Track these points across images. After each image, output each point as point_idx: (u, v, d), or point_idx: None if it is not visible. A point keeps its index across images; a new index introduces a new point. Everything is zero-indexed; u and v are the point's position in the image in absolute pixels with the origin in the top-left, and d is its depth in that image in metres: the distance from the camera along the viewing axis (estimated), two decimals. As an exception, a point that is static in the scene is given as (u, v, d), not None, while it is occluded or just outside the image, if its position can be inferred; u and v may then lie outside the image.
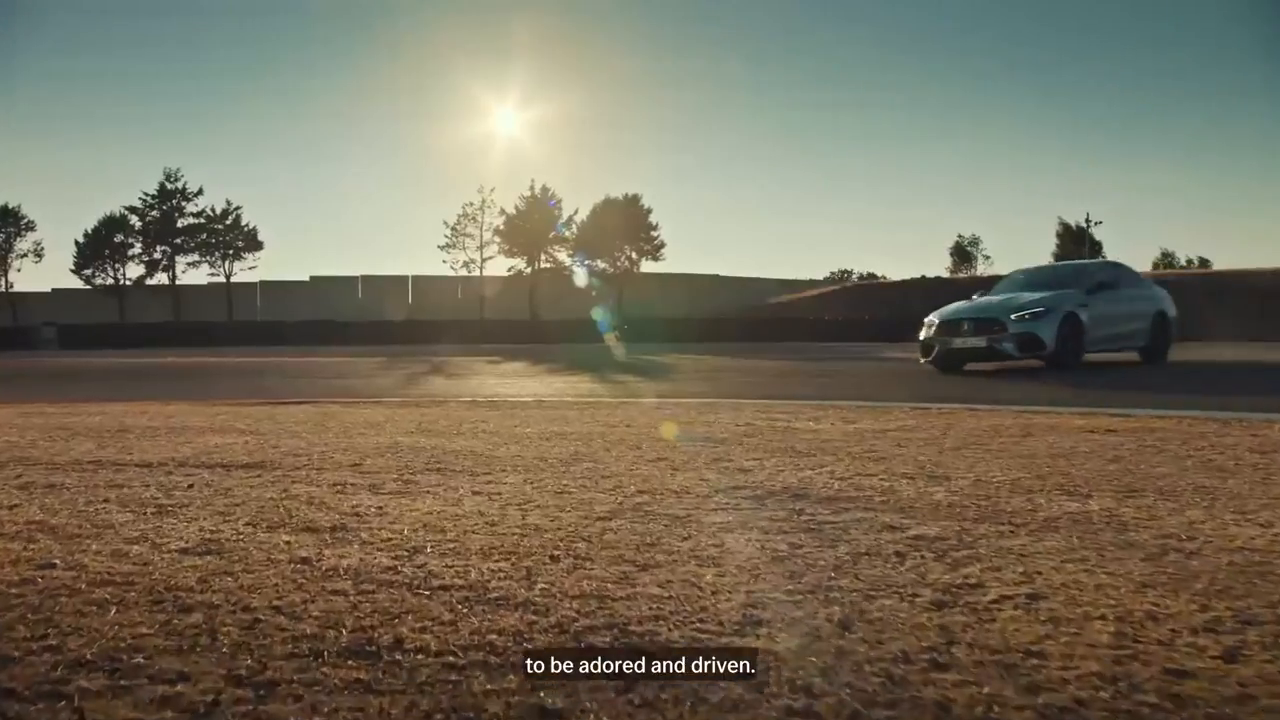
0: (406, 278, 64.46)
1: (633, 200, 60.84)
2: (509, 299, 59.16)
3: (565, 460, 4.25)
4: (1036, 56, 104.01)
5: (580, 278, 59.67)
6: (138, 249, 64.93)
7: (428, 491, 3.45)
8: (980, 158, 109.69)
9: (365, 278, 64.35)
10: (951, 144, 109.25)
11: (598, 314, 41.89)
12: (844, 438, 5.12)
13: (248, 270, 64.35)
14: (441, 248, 62.29)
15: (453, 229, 60.75)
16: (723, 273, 66.72)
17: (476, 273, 61.40)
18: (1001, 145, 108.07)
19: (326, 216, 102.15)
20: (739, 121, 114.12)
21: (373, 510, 3.09)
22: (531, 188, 60.35)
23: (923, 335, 13.34)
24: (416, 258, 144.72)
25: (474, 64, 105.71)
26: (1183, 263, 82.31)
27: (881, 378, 12.52)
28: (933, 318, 13.33)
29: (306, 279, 64.97)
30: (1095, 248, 67.04)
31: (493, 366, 18.09)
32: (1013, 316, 13.10)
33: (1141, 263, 76.77)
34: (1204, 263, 78.51)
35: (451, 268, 62.07)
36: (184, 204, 63.97)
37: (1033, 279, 14.90)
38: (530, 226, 59.23)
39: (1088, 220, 55.90)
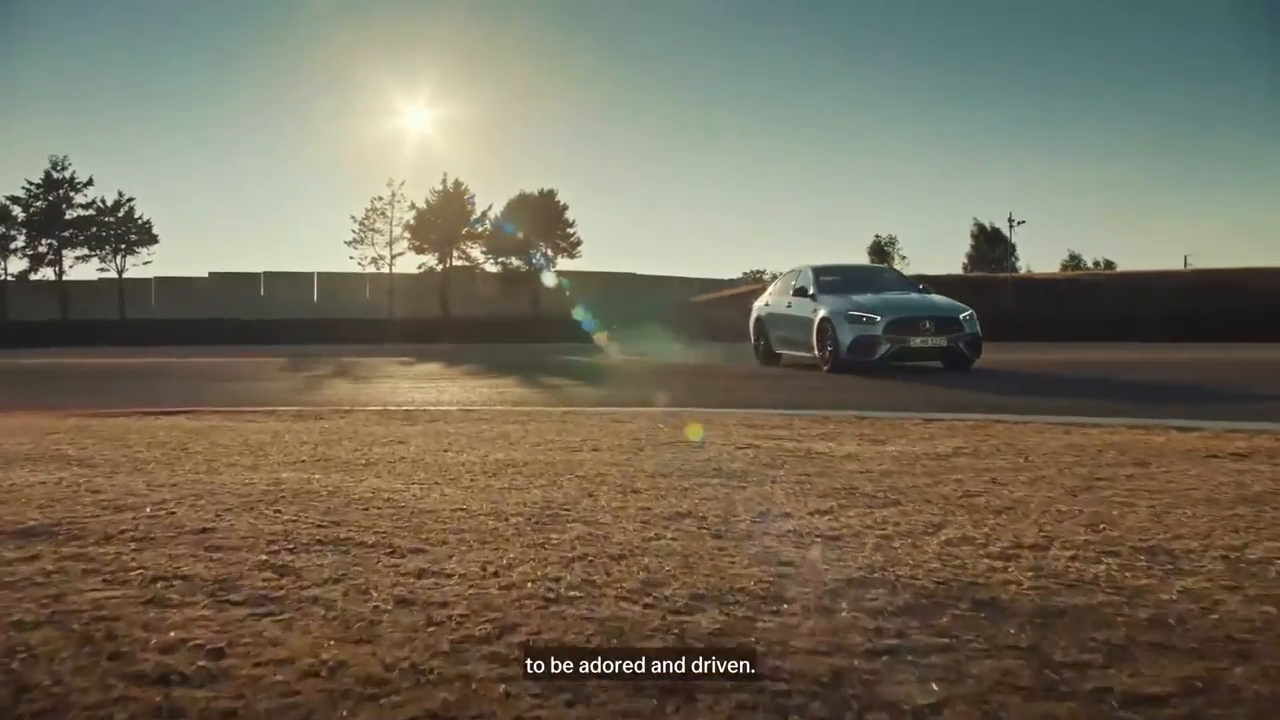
0: (312, 274, 61.74)
1: (548, 195, 59.05)
2: (420, 297, 57.01)
3: (535, 518, 2.81)
4: (953, 58, 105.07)
5: (492, 274, 57.94)
6: (20, 241, 61.05)
7: (314, 605, 1.97)
8: (899, 158, 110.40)
9: (268, 274, 61.55)
10: (870, 143, 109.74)
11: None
12: (899, 468, 3.78)
13: (142, 266, 61.01)
14: (349, 243, 59.52)
15: (360, 224, 58.24)
16: (640, 271, 65.58)
17: (386, 269, 59.05)
18: (920, 146, 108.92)
19: (228, 212, 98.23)
20: (655, 119, 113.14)
21: (193, 670, 1.60)
22: (444, 182, 58.34)
23: (851, 333, 12.13)
24: (323, 254, 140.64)
25: (384, 60, 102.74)
26: (1089, 264, 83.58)
27: (820, 379, 11.29)
28: (872, 315, 12.11)
29: (205, 275, 61.92)
30: (1011, 250, 67.50)
31: (405, 368, 16.43)
32: (963, 316, 12.20)
33: (1050, 264, 77.82)
34: (1109, 264, 79.77)
35: (359, 264, 59.52)
36: (72, 195, 60.24)
37: (853, 278, 14.20)
38: (442, 222, 57.10)
39: (1010, 220, 55.99)
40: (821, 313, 12.68)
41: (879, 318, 12.04)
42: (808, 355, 13.23)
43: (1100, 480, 3.43)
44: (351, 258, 65.71)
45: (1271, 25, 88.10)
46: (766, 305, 15.08)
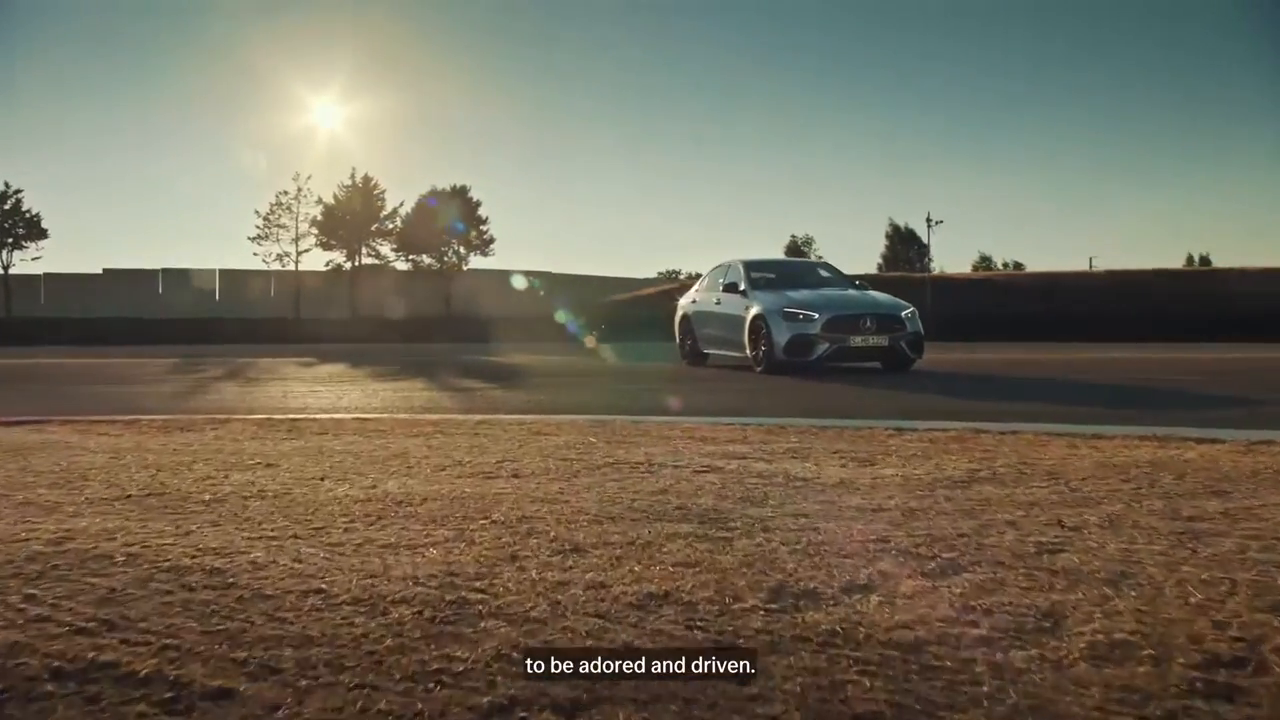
0: (213, 271, 58.95)
1: (461, 192, 57.36)
2: (329, 296, 54.93)
3: (430, 610, 1.83)
4: (867, 60, 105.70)
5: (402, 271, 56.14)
6: (-105, 235, 57.30)
7: None
8: (815, 159, 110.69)
9: (167, 271, 58.68)
10: (787, 144, 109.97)
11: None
12: (917, 502, 2.90)
13: (30, 261, 57.78)
14: (253, 239, 56.91)
15: (265, 219, 55.70)
16: (555, 270, 64.34)
17: (291, 266, 56.71)
18: (836, 147, 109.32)
19: (125, 207, 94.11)
20: (570, 117, 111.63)
21: None
22: (352, 176, 56.10)
23: (788, 331, 11.29)
24: (227, 251, 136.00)
25: (293, 55, 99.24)
26: (999, 265, 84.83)
27: (755, 381, 10.44)
28: (810, 312, 11.27)
29: (100, 272, 58.86)
30: (923, 250, 67.88)
31: (305, 370, 15.17)
32: (904, 314, 11.46)
33: (962, 265, 78.70)
34: (1019, 265, 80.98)
35: (264, 261, 56.92)
36: (-48, 186, 56.82)
37: (787, 273, 13.48)
38: (350, 218, 55.03)
39: (929, 220, 56.01)
40: (754, 310, 11.83)
41: (817, 315, 11.23)
42: (738, 355, 12.38)
43: (1196, 520, 2.59)
44: (256, 254, 62.57)
45: (1168, 31, 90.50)
46: (694, 302, 14.18)
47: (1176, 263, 62.75)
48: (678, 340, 14.63)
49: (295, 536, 2.47)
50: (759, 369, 11.61)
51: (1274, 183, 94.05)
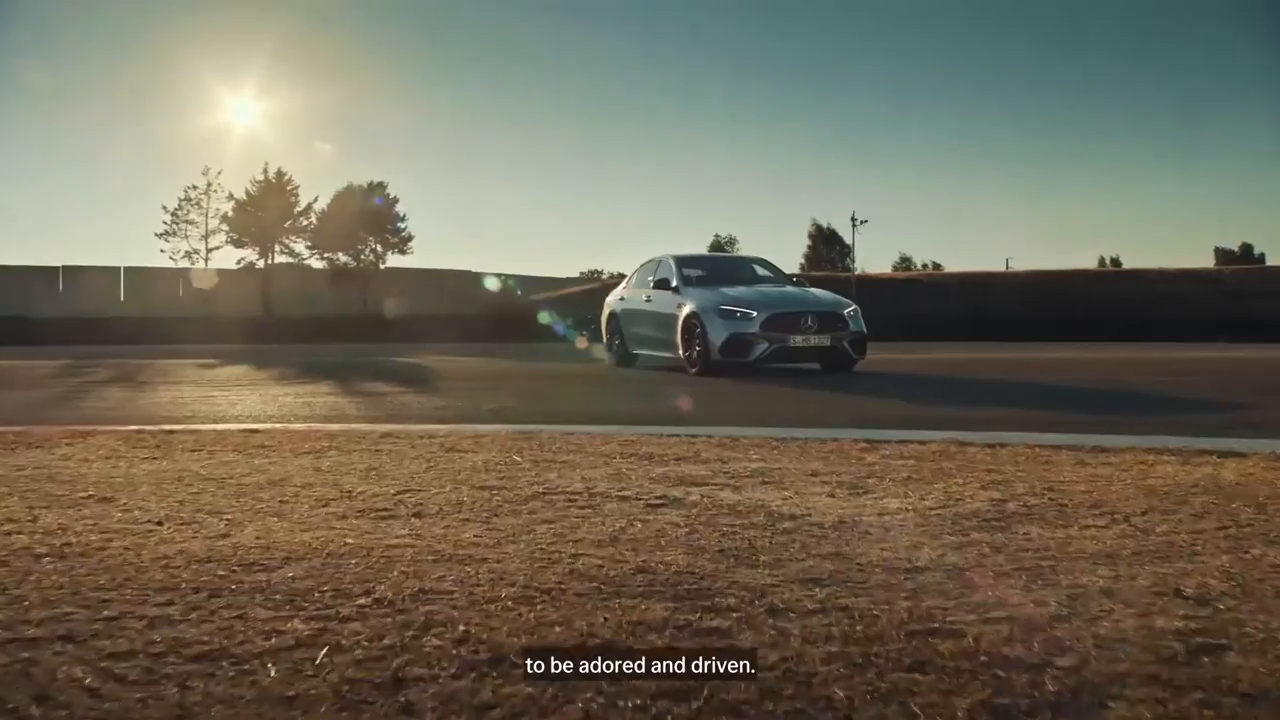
0: (118, 269, 56.41)
1: (378, 188, 55.81)
2: (242, 295, 52.81)
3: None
4: (790, 59, 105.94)
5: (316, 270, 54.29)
6: None
7: None
8: (738, 158, 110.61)
9: (68, 269, 55.96)
10: (709, 143, 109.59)
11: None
12: (956, 555, 2.20)
13: (-82, 260, 54.80)
14: (160, 235, 54.54)
15: (173, 214, 53.38)
16: (475, 269, 62.90)
17: (201, 264, 54.46)
18: (759, 146, 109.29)
19: (22, 202, 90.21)
20: (493, 116, 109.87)
21: None
22: (265, 171, 54.01)
23: (724, 330, 10.53)
24: (133, 249, 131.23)
25: (206, 49, 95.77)
26: (919, 266, 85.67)
27: (690, 384, 9.72)
28: (748, 310, 10.55)
29: (-9, 269, 56.00)
30: (846, 250, 68.06)
31: (205, 372, 14.05)
32: (847, 312, 10.82)
33: (882, 265, 79.18)
34: (938, 266, 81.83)
35: (171, 258, 54.56)
36: None
37: (721, 269, 12.85)
38: (263, 214, 53.01)
39: (854, 219, 55.89)
40: (688, 307, 11.07)
41: (755, 313, 10.50)
42: (670, 355, 11.62)
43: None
44: (163, 251, 59.97)
45: (1079, 36, 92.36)
46: (622, 300, 13.37)
47: (1089, 263, 63.86)
48: (605, 340, 13.83)
49: (66, 638, 1.63)
50: (693, 370, 10.88)
51: (1180, 185, 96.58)
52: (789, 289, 11.89)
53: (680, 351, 11.17)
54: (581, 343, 28.98)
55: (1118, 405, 7.30)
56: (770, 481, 3.28)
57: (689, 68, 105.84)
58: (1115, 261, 73.04)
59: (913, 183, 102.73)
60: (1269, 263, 57.32)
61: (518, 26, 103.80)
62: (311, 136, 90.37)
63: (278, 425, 5.86)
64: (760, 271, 12.80)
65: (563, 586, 1.93)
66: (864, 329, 11.00)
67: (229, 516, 2.75)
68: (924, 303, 37.61)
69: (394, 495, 3.07)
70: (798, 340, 10.45)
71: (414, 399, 8.22)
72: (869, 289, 45.84)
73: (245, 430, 5.39)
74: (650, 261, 13.04)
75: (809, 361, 11.10)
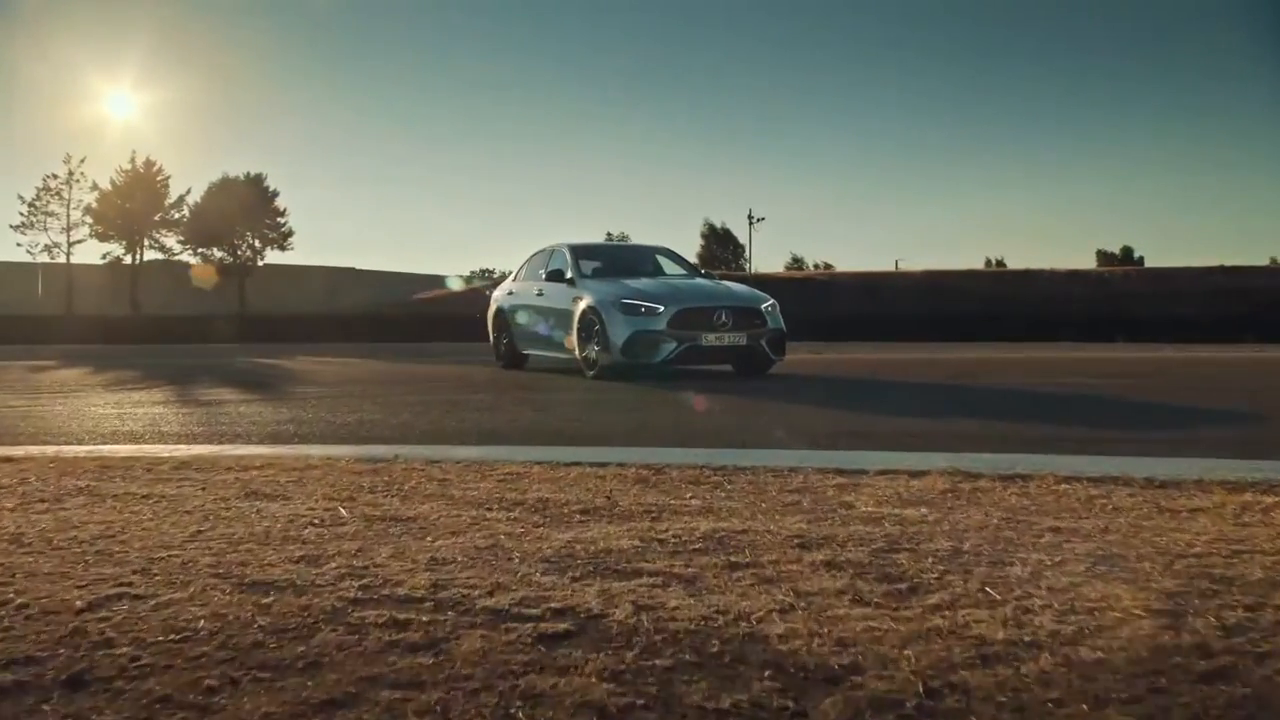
0: (-37, 263, 52.16)
1: (255, 180, 52.60)
2: (110, 292, 49.23)
3: None
4: (683, 56, 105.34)
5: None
6: None
7: None
8: (629, 156, 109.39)
9: (-98, 263, 51.53)
10: (602, 141, 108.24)
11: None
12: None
13: None
14: (16, 228, 50.55)
15: (30, 205, 49.51)
16: (360, 266, 60.30)
17: (62, 259, 50.72)
18: (653, 144, 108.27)
19: None
20: (379, 111, 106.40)
21: None
22: (132, 160, 50.53)
23: (627, 327, 9.26)
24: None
25: (76, 36, 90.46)
26: (810, 266, 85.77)
27: (588, 389, 8.44)
28: (654, 305, 9.31)
29: None
30: (740, 250, 67.61)
31: (30, 376, 12.18)
32: (765, 307, 9.68)
33: (775, 265, 78.96)
34: (829, 266, 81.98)
35: (29, 252, 50.77)
36: None
37: (621, 259, 11.53)
38: (130, 206, 49.63)
39: (750, 217, 55.27)
40: (585, 302, 9.77)
41: (661, 308, 9.24)
42: (565, 355, 10.31)
43: None
44: (19, 245, 55.29)
45: (965, 34, 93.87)
46: (510, 294, 11.93)
47: (975, 264, 64.40)
48: (491, 339, 12.42)
49: None
50: (590, 373, 9.61)
51: (1061, 187, 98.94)
52: (700, 281, 10.71)
53: (577, 351, 9.88)
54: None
55: (1095, 415, 6.30)
56: (741, 563, 2.03)
57: (581, 63, 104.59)
58: (1000, 263, 74.10)
59: (804, 183, 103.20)
60: (1147, 265, 58.61)
61: (408, 15, 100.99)
62: (186, 125, 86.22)
63: (50, 448, 4.43)
64: (664, 262, 11.54)
65: None
66: (783, 326, 9.86)
67: None
68: (821, 302, 36.93)
69: (76, 614, 1.72)
70: (710, 339, 9.25)
71: (257, 409, 6.74)
72: (764, 289, 45.23)
73: (10, 458, 3.94)
74: (542, 251, 11.67)
75: (722, 362, 9.94)
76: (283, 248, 53.87)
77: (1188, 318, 29.11)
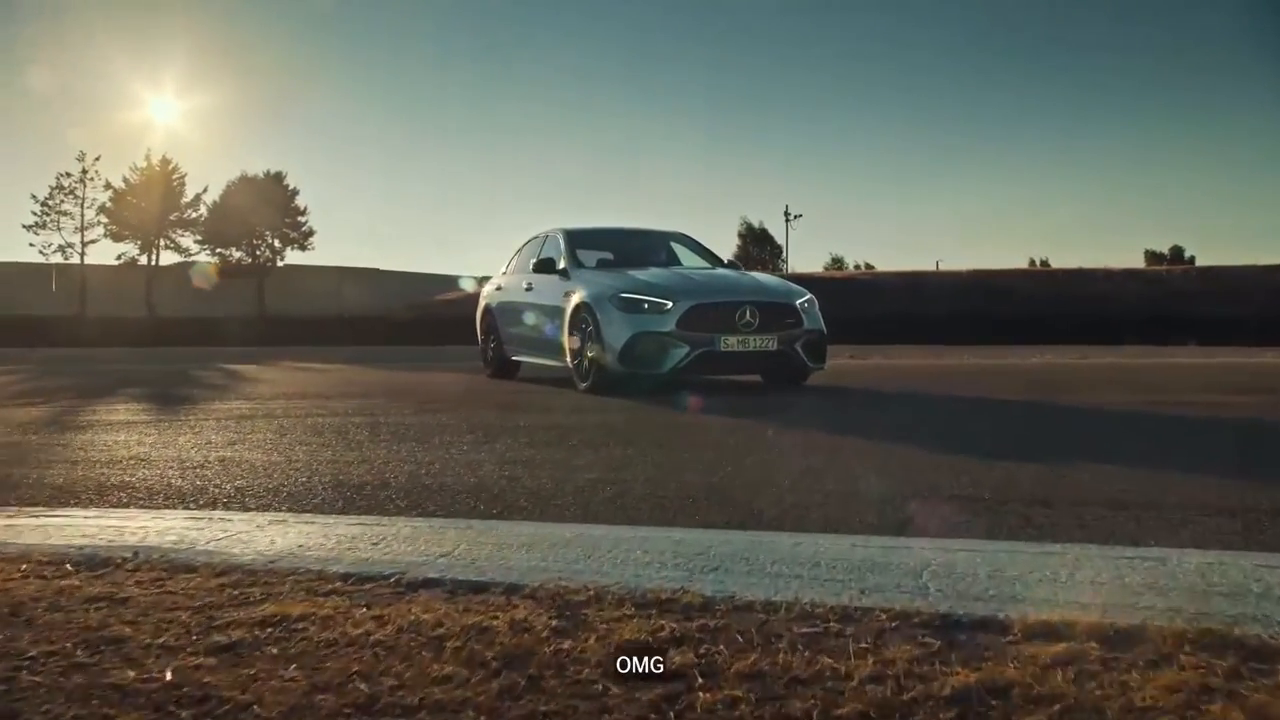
0: (-24, 263, 50.59)
1: (275, 178, 50.92)
2: (127, 294, 47.72)
3: None
4: (720, 58, 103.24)
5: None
6: None
7: None
8: (667, 155, 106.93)
9: (-90, 264, 50.06)
10: (633, 139, 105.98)
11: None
12: None
13: None
14: (29, 228, 48.92)
15: (43, 204, 47.90)
16: (384, 266, 58.59)
17: (76, 259, 49.10)
18: (689, 144, 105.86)
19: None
20: (400, 109, 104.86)
21: None
22: (147, 158, 48.79)
23: (626, 328, 7.39)
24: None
25: (100, 34, 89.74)
26: (850, 266, 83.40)
27: (585, 407, 6.54)
28: (660, 299, 7.41)
29: None
30: (777, 250, 65.57)
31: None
32: (800, 304, 7.75)
33: (814, 265, 76.77)
34: (870, 266, 79.59)
35: (41, 252, 49.27)
36: None
37: (625, 245, 9.57)
38: (145, 205, 48.05)
39: (787, 214, 53.04)
40: (577, 296, 7.90)
41: (670, 304, 7.34)
42: (557, 363, 8.45)
43: None
44: (32, 245, 53.38)
45: (1009, 36, 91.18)
46: (499, 289, 10.04)
47: (1020, 263, 61.76)
48: (480, 343, 10.55)
49: None
50: (582, 385, 7.76)
51: (1115, 183, 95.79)
52: (722, 271, 8.77)
53: (568, 358, 8.01)
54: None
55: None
56: None
57: (618, 61, 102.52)
58: (1044, 263, 71.50)
59: (844, 183, 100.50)
60: (1198, 264, 55.97)
61: (424, 15, 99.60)
62: (210, 126, 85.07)
63: None
64: (680, 251, 9.58)
65: None
66: (823, 327, 7.93)
67: None
68: (864, 303, 34.79)
69: None
70: (731, 342, 7.37)
71: (108, 438, 4.91)
72: (808, 288, 43.17)
73: None
74: (535, 238, 9.76)
75: (748, 372, 8.02)
76: (303, 247, 52.28)
77: (1250, 318, 26.64)
